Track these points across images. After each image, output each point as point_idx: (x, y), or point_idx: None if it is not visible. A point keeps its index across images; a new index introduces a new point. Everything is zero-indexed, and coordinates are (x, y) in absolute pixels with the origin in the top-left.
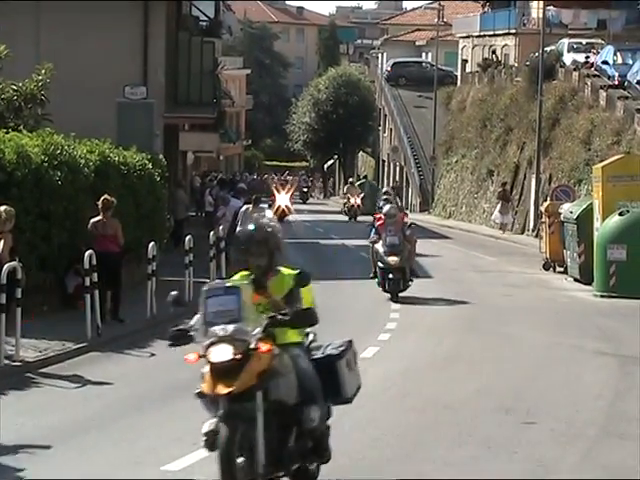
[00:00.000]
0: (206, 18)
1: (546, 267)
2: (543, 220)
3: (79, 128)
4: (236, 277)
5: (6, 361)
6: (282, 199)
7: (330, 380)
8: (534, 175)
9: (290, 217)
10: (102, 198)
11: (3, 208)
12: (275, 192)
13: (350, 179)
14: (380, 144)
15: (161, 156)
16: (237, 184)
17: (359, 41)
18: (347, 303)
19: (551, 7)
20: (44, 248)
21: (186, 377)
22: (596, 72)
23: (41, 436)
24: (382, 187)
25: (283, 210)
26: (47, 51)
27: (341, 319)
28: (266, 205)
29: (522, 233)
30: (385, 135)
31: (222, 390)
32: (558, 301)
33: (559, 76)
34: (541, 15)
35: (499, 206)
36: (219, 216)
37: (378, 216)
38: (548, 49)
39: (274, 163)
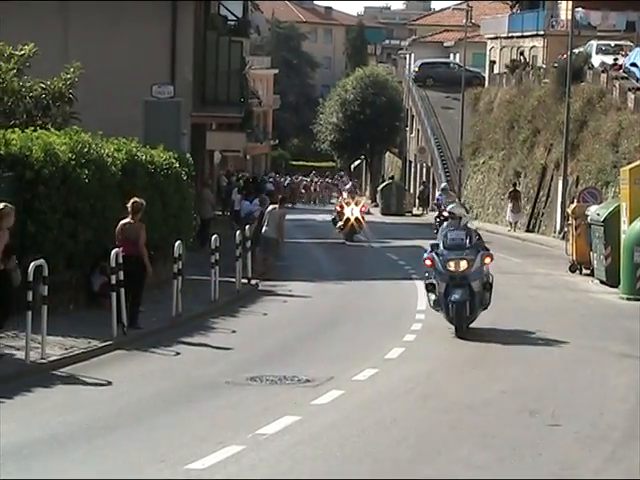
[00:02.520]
0: (234, 18)
1: (572, 269)
2: (570, 222)
3: (107, 126)
4: None
5: (32, 358)
6: (353, 211)
7: None
8: (561, 177)
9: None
10: (132, 201)
11: (2, 205)
12: (343, 203)
13: (444, 184)
14: (407, 145)
15: (188, 155)
16: (264, 184)
17: (387, 41)
18: (374, 303)
19: (580, 9)
20: (71, 246)
21: (211, 376)
22: (624, 74)
23: (66, 434)
24: (409, 188)
25: (352, 225)
26: (75, 50)
27: (368, 319)
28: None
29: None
30: (412, 136)
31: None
32: (584, 303)
33: (587, 78)
34: (570, 17)
35: (510, 205)
36: (255, 216)
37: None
38: (576, 51)
39: (300, 163)
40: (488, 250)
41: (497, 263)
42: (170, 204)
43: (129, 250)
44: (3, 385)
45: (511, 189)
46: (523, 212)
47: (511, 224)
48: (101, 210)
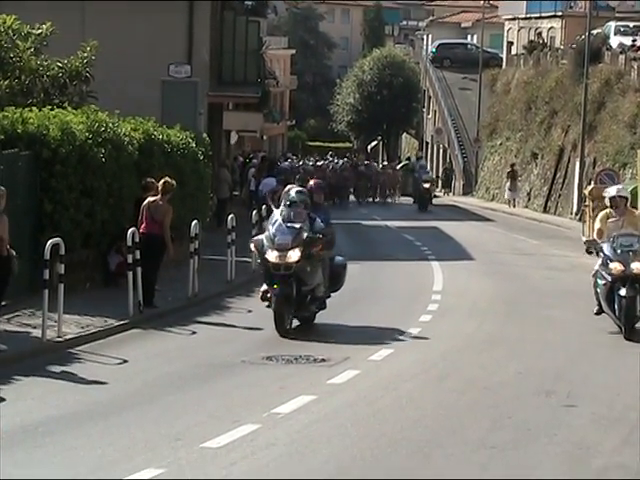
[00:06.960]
0: None
1: (589, 251)
2: (587, 204)
3: (123, 106)
4: None
5: (49, 337)
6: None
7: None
8: (578, 159)
9: None
10: (163, 181)
11: None
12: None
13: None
14: (424, 126)
15: (205, 135)
16: (279, 164)
17: (404, 22)
18: (391, 284)
19: None
20: (87, 225)
21: (226, 355)
22: None
23: (83, 412)
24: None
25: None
26: (92, 29)
27: (384, 299)
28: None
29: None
30: (429, 117)
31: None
32: None
33: (605, 59)
34: None
35: (508, 184)
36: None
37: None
38: (594, 32)
39: (317, 144)
40: None
41: (514, 244)
42: (187, 184)
43: (151, 229)
44: (20, 363)
45: (509, 169)
46: (519, 190)
47: (509, 201)
48: (118, 189)
